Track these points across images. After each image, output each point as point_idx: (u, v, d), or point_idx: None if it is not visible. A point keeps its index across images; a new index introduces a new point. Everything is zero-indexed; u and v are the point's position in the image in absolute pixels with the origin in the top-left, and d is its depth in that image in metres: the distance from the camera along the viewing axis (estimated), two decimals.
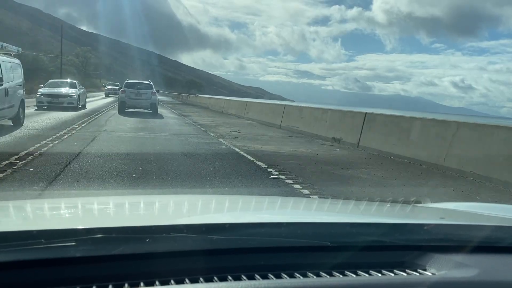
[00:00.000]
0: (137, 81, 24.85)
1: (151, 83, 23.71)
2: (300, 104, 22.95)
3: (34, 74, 64.95)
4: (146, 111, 22.63)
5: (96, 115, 19.54)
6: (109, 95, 54.00)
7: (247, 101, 28.20)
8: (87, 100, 27.26)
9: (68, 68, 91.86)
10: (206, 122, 19.54)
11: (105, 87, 59.23)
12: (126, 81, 23.63)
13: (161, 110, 25.29)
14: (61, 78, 53.97)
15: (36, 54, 75.21)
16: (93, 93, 56.86)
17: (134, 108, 22.45)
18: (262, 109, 23.21)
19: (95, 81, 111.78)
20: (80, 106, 23.50)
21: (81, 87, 24.98)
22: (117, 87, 50.87)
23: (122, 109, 22.08)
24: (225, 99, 35.16)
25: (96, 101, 37.98)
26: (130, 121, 17.47)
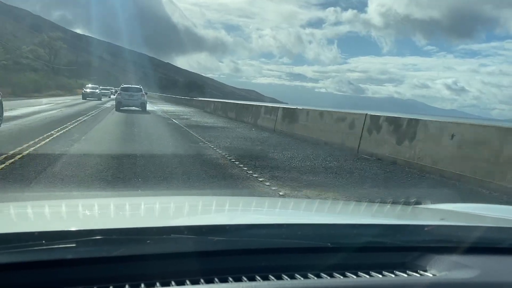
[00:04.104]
0: (130, 85, 31.02)
1: (141, 87, 29.71)
2: None
3: None
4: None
5: None
6: None
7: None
8: None
9: (30, 63, 67.19)
10: None
11: None
12: (121, 86, 29.40)
13: None
14: None
15: None
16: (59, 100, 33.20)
17: (128, 107, 26.89)
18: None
19: (68, 81, 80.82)
20: None
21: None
22: None
23: (119, 107, 26.52)
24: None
25: None
26: None
